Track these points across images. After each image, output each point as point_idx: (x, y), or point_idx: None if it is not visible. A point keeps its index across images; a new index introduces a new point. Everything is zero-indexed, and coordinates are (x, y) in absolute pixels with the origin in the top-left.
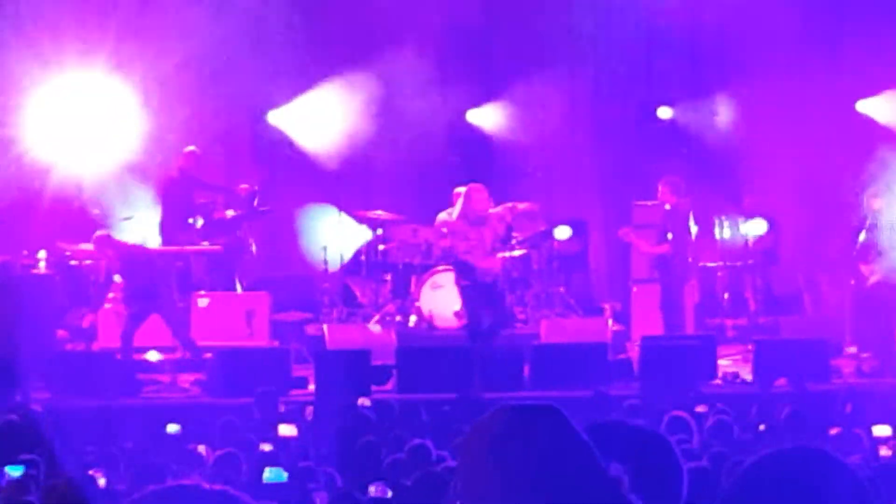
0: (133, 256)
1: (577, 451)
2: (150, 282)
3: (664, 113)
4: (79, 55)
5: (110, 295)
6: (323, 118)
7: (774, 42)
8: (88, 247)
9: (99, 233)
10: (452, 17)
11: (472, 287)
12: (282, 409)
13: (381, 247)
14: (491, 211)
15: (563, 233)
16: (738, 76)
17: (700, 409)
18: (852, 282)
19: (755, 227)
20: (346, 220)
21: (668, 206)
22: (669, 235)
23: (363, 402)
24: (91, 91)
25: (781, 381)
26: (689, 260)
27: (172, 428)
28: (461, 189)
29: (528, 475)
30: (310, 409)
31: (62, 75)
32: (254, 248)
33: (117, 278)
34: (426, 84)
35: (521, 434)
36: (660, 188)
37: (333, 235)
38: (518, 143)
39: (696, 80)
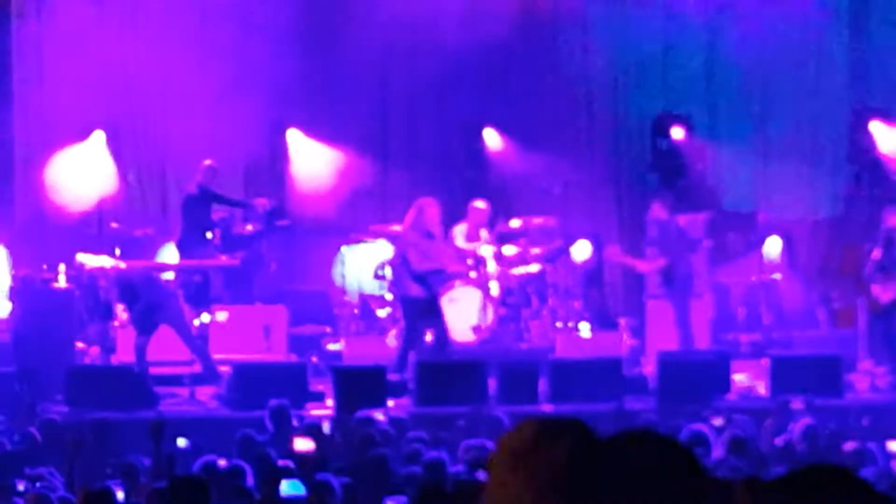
0: (123, 274)
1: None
2: (150, 296)
3: (676, 133)
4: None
5: (120, 308)
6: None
7: None
8: (108, 261)
9: (81, 257)
10: (472, 32)
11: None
12: (295, 423)
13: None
14: (474, 244)
15: (582, 252)
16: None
17: (717, 421)
18: (866, 299)
19: (773, 245)
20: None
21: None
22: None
23: (379, 415)
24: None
25: (798, 403)
26: (690, 273)
27: (181, 442)
28: (479, 204)
29: (557, 487)
30: (326, 423)
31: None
32: (273, 265)
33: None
34: (443, 98)
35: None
36: (653, 205)
37: (351, 250)
38: (534, 158)
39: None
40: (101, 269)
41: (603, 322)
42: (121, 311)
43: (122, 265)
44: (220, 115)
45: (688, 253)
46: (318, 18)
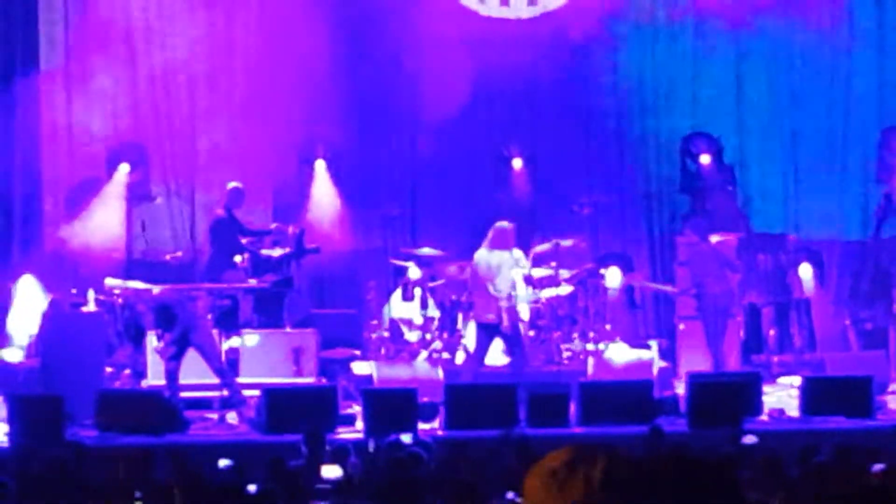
0: (155, 298)
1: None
2: (182, 321)
3: (705, 159)
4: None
5: (150, 334)
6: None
7: None
8: (137, 284)
9: (109, 281)
10: (501, 54)
11: None
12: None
13: (430, 283)
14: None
15: (613, 279)
16: None
17: (749, 439)
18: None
19: (804, 269)
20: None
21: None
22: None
23: (406, 438)
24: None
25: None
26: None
27: (223, 462)
28: (504, 224)
29: None
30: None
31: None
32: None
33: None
34: (472, 119)
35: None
36: (685, 227)
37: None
38: (563, 180)
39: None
40: (131, 293)
41: (634, 344)
42: (152, 336)
43: (155, 289)
44: (250, 138)
45: (721, 275)
46: (349, 42)
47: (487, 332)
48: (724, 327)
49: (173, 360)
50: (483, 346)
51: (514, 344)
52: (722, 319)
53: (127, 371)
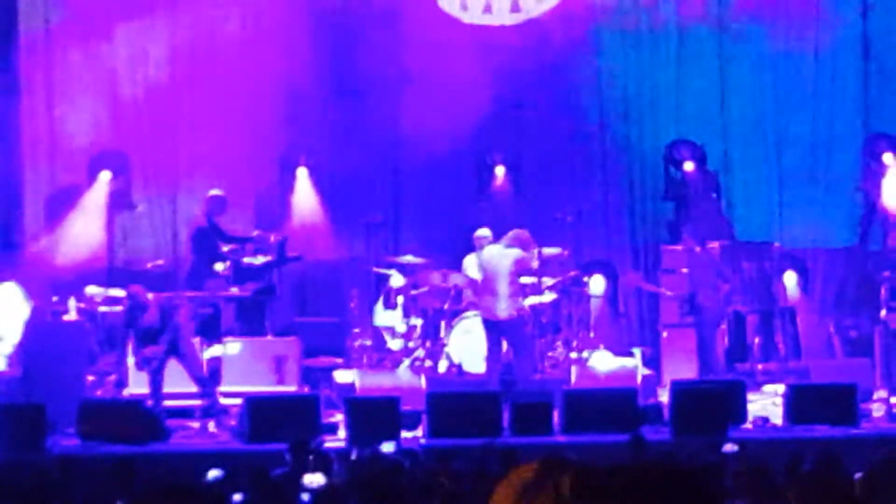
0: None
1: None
2: (164, 329)
3: (688, 166)
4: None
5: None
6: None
7: None
8: (118, 293)
9: (90, 289)
10: (485, 61)
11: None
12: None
13: (413, 291)
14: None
15: (597, 286)
16: None
17: (729, 447)
18: (882, 327)
19: (789, 277)
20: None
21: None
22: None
23: (388, 447)
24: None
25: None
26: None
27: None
28: (484, 232)
29: None
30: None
31: None
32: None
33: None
34: (455, 126)
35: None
36: (682, 234)
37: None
38: (546, 187)
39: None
40: (112, 301)
41: (618, 352)
42: (133, 344)
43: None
44: (232, 146)
45: (715, 282)
46: (332, 50)
47: (497, 332)
48: (715, 334)
49: (158, 371)
50: (497, 346)
51: (521, 342)
52: (714, 327)
53: (112, 377)
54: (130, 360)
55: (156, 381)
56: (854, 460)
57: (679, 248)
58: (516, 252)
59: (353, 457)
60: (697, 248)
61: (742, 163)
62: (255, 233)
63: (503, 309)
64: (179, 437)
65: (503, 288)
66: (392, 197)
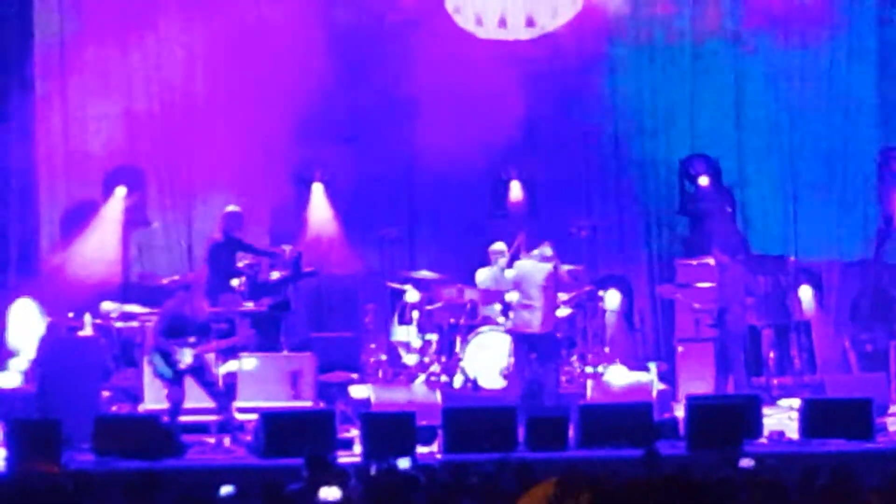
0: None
1: None
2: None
3: (703, 180)
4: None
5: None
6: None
7: None
8: (134, 308)
9: (106, 305)
10: (498, 75)
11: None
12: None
13: (428, 306)
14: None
15: (612, 300)
16: None
17: (746, 462)
18: (895, 341)
19: (804, 291)
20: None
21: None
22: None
23: (403, 462)
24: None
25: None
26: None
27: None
28: (499, 246)
29: None
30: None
31: None
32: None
33: None
34: (470, 141)
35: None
36: (713, 249)
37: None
38: (561, 202)
39: None
40: (127, 317)
41: (633, 367)
42: (147, 361)
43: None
44: (247, 161)
45: (743, 297)
46: (347, 65)
47: (528, 345)
48: (741, 349)
49: (176, 385)
50: (525, 358)
51: (552, 357)
52: (739, 341)
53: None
54: (147, 377)
55: (178, 399)
56: (869, 475)
57: (694, 262)
58: (549, 266)
59: (373, 472)
60: (726, 260)
61: (757, 177)
62: (287, 248)
63: (539, 323)
64: (195, 453)
65: (538, 301)
66: (407, 212)
